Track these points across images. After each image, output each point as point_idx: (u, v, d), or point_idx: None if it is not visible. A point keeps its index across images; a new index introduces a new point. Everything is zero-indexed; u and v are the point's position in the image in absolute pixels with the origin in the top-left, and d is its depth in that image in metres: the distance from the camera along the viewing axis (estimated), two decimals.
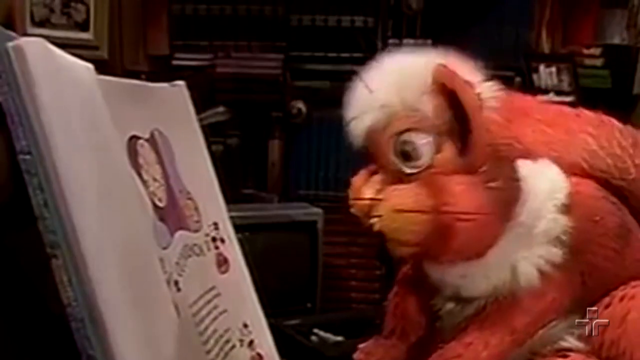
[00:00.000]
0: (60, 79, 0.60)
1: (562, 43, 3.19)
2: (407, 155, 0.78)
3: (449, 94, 0.77)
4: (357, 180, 0.82)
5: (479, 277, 0.82)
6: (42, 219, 0.56)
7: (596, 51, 3.07)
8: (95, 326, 0.56)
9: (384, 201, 0.77)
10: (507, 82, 0.84)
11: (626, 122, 0.90)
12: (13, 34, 0.60)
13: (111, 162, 0.64)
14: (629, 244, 0.86)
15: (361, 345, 0.94)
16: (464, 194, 0.76)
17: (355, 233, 3.15)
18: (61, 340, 0.58)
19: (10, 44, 0.57)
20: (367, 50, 3.09)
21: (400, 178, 0.78)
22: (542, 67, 3.07)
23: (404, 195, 0.77)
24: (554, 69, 3.05)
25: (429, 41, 3.08)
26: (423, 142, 0.78)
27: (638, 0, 3.06)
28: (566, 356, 0.83)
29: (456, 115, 0.78)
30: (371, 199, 0.78)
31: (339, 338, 2.26)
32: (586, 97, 2.95)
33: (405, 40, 3.16)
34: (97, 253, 0.57)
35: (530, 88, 2.98)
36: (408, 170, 0.78)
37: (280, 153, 3.25)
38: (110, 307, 0.56)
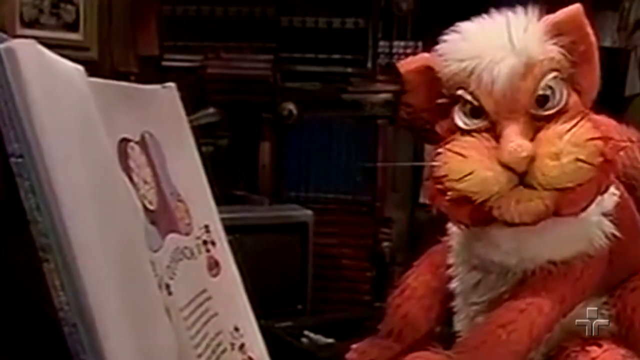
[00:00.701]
0: (52, 81, 0.59)
1: None
2: (545, 100, 0.78)
3: (572, 35, 0.79)
4: (468, 147, 0.78)
5: (559, 244, 0.82)
6: (34, 222, 0.56)
7: None
8: (88, 331, 0.55)
9: (568, 137, 0.75)
10: None
11: (619, 123, 0.91)
12: (4, 35, 0.59)
13: (102, 165, 0.64)
14: (639, 231, 0.89)
15: (354, 345, 0.94)
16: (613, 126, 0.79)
17: (345, 234, 3.15)
18: (54, 344, 0.58)
19: (1, 46, 0.56)
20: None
21: (535, 127, 0.77)
22: None
23: (583, 128, 0.76)
24: None
25: (420, 43, 3.08)
26: (561, 86, 0.78)
27: (629, 2, 3.06)
28: (600, 345, 0.82)
29: (572, 58, 0.80)
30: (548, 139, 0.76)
31: (330, 340, 2.26)
32: None
33: (395, 42, 3.17)
34: (89, 257, 0.56)
35: None
36: (545, 113, 0.77)
37: (271, 154, 3.24)
38: (103, 312, 0.56)
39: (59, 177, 0.56)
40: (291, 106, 3.18)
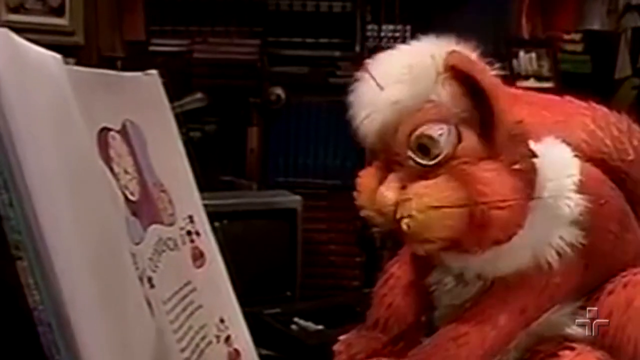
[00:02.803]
0: (25, 70, 0.57)
1: (542, 29, 3.19)
2: (425, 149, 0.75)
3: (464, 80, 0.75)
4: (365, 180, 0.79)
5: (501, 261, 0.79)
6: (7, 219, 0.54)
7: (576, 36, 3.08)
8: (63, 331, 0.54)
9: (414, 199, 0.73)
10: None
11: (607, 107, 0.90)
12: None
13: (80, 156, 0.62)
14: (628, 230, 0.87)
15: (342, 337, 0.93)
16: (495, 181, 0.73)
17: (334, 220, 3.14)
18: (32, 338, 0.56)
19: None
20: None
21: (419, 174, 0.75)
22: (521, 53, 3.07)
23: (435, 190, 0.73)
24: (533, 55, 3.06)
25: (408, 27, 3.07)
26: (441, 133, 0.74)
27: None
28: (573, 348, 0.81)
29: (473, 101, 0.75)
30: (401, 200, 0.74)
31: (320, 327, 2.25)
32: (566, 82, 2.96)
33: (384, 26, 3.15)
34: (64, 254, 0.54)
35: (510, 74, 2.98)
36: (429, 163, 0.75)
37: (259, 139, 3.23)
38: (79, 311, 0.54)
39: (32, 171, 0.54)
40: (279, 90, 3.17)
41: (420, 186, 0.74)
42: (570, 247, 0.80)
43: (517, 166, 0.75)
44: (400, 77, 0.76)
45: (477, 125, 0.75)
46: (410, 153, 0.75)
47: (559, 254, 0.80)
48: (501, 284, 0.80)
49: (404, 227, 0.73)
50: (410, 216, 0.73)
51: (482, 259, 0.79)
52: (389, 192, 0.75)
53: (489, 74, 0.75)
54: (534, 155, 0.77)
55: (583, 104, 0.88)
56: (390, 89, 0.76)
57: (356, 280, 3.14)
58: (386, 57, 0.79)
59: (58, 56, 0.63)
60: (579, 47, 3.10)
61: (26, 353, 0.57)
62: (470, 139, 0.75)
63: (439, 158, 0.74)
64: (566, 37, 3.05)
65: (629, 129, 0.89)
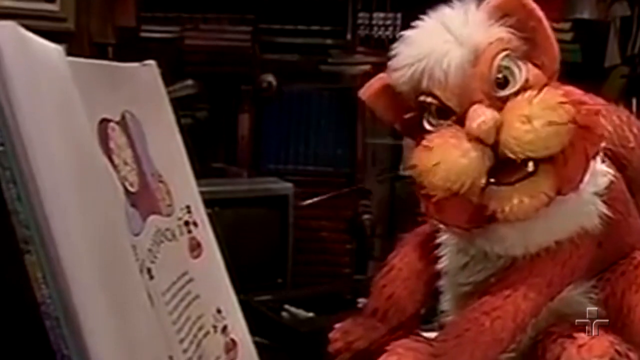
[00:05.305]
0: (33, 65, 0.57)
1: None
2: (504, 81, 0.77)
3: (516, 13, 0.78)
4: (435, 139, 0.77)
5: (539, 234, 0.81)
6: (15, 213, 0.54)
7: (566, 25, 3.09)
8: (71, 325, 0.54)
9: (537, 100, 0.74)
10: None
11: (597, 95, 0.91)
12: None
13: (83, 149, 0.62)
14: (630, 213, 0.88)
15: (338, 325, 0.93)
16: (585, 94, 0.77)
17: (325, 206, 3.15)
18: (39, 332, 0.56)
19: None
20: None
21: (497, 108, 0.76)
22: None
23: (550, 93, 0.75)
24: None
25: (399, 14, 3.08)
26: (517, 63, 0.77)
27: None
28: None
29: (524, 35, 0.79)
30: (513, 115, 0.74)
31: (310, 314, 2.26)
32: None
33: (375, 14, 3.16)
34: (71, 248, 0.55)
35: None
36: (508, 93, 0.76)
37: (250, 127, 3.24)
38: (86, 305, 0.55)
39: (40, 166, 0.54)
40: (270, 78, 3.18)
41: (531, 94, 0.75)
42: (600, 218, 0.82)
43: None
44: (456, 22, 0.78)
45: (530, 57, 0.78)
46: (492, 85, 0.76)
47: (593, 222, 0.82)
48: (527, 257, 0.81)
49: (513, 143, 0.74)
50: (529, 121, 0.73)
51: (544, 226, 0.80)
52: (488, 111, 0.75)
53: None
54: None
55: (581, 93, 0.89)
56: (456, 30, 0.78)
57: (347, 267, 3.15)
58: (430, 17, 0.80)
59: (61, 49, 0.63)
60: (568, 36, 3.10)
61: (34, 347, 0.58)
62: (534, 68, 0.78)
63: (516, 88, 0.76)
64: (555, 26, 3.05)
65: (628, 118, 0.90)
